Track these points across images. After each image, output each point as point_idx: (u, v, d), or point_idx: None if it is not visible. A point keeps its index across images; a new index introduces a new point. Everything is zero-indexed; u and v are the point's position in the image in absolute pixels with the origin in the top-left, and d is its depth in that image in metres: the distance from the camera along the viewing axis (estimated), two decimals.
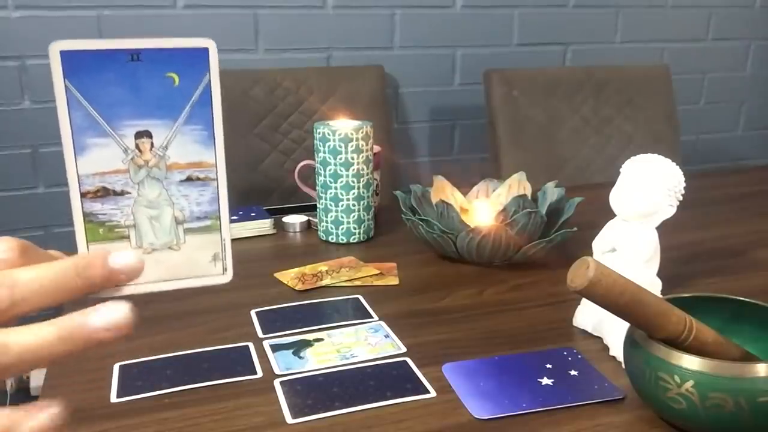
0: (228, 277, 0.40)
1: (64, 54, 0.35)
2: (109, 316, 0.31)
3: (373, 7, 1.74)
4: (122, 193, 0.37)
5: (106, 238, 0.37)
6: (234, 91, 1.54)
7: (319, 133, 0.99)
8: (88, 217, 0.37)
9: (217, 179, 0.39)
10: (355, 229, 1.02)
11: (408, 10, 1.77)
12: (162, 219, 0.38)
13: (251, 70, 1.59)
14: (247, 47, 1.66)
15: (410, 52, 1.80)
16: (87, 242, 0.37)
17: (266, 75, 1.58)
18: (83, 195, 0.37)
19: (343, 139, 0.98)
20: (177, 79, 0.37)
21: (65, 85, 0.35)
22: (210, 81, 0.37)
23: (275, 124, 1.59)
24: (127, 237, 0.38)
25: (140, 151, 0.37)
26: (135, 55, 0.36)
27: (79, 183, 0.36)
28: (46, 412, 0.30)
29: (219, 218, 0.39)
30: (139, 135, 0.37)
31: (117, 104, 0.36)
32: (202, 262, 0.40)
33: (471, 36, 1.84)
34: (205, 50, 0.37)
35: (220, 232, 0.40)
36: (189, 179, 0.38)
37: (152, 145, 0.37)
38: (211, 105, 0.38)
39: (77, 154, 0.36)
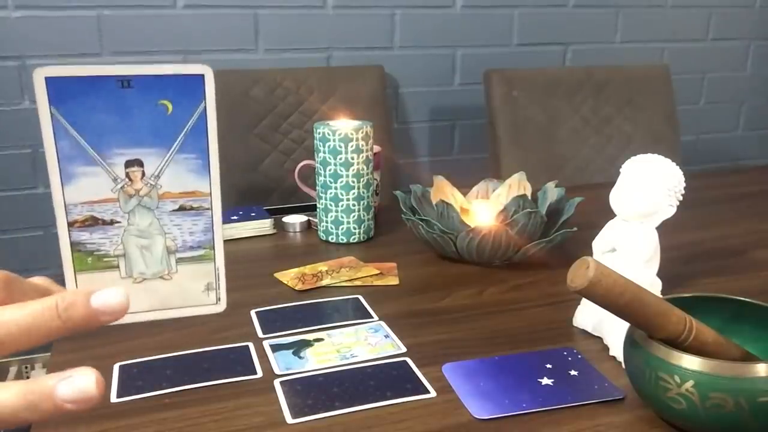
0: (221, 306, 0.40)
1: (49, 80, 0.34)
2: (76, 387, 0.30)
3: (373, 7, 1.74)
4: (111, 223, 0.37)
5: (94, 268, 0.37)
6: (234, 91, 1.54)
7: (319, 133, 0.99)
8: (75, 246, 0.36)
9: (211, 208, 0.38)
10: (355, 229, 1.02)
11: (408, 10, 1.77)
12: (153, 248, 0.38)
13: (251, 70, 1.59)
14: (247, 47, 1.66)
15: (410, 52, 1.80)
16: (75, 272, 0.36)
17: (266, 75, 1.58)
18: (71, 224, 0.36)
19: (343, 139, 0.98)
20: (170, 107, 0.36)
21: (51, 113, 0.34)
22: (206, 109, 0.36)
23: (275, 124, 1.59)
24: (117, 266, 0.37)
25: (131, 180, 0.36)
26: (125, 81, 0.35)
27: (66, 212, 0.36)
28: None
29: (213, 248, 0.39)
30: (129, 164, 0.36)
31: (106, 132, 0.35)
32: (194, 292, 0.39)
33: (471, 36, 1.84)
34: (201, 77, 0.36)
35: (214, 261, 0.39)
36: (182, 208, 0.38)
37: (143, 173, 0.36)
38: (206, 133, 0.37)
39: (64, 183, 0.35)
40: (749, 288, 0.87)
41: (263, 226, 1.06)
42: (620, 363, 0.66)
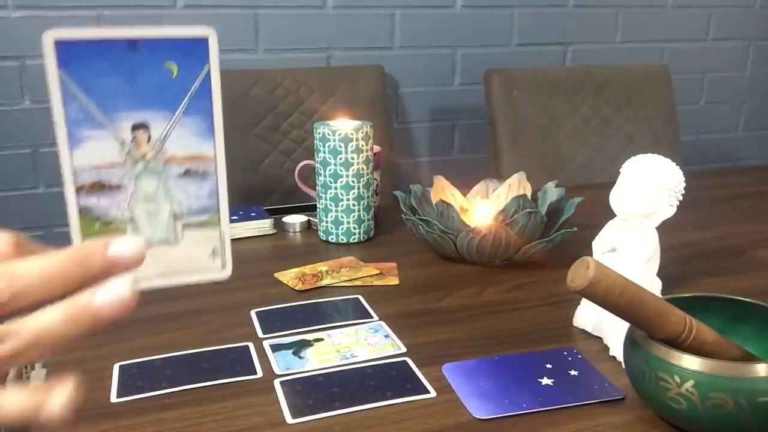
0: (227, 272, 0.39)
1: (58, 43, 0.33)
2: (112, 294, 0.31)
3: (373, 7, 1.74)
4: (118, 187, 0.36)
5: (101, 233, 0.36)
6: (234, 91, 1.54)
7: (319, 133, 0.99)
8: (83, 211, 0.36)
9: (216, 173, 0.38)
10: (355, 229, 1.02)
11: (408, 10, 1.77)
12: (159, 214, 0.37)
13: (251, 70, 1.59)
14: (247, 47, 1.66)
15: (410, 52, 1.80)
16: (82, 238, 0.36)
17: (266, 75, 1.58)
18: (78, 189, 0.35)
19: (343, 139, 0.98)
20: (175, 70, 0.35)
21: (59, 76, 0.34)
22: (210, 71, 0.36)
23: (275, 124, 1.59)
24: (124, 232, 0.37)
25: (137, 143, 0.36)
26: (132, 44, 0.34)
27: (74, 177, 0.35)
28: (63, 391, 0.30)
29: (218, 213, 0.38)
30: (135, 127, 0.35)
31: (113, 95, 0.35)
32: (200, 258, 0.38)
33: (471, 36, 1.84)
34: (205, 40, 0.35)
35: (220, 227, 0.38)
36: (187, 173, 0.37)
37: (149, 137, 0.36)
38: (211, 96, 0.36)
39: (72, 147, 0.35)
40: (749, 288, 0.87)
41: (263, 226, 1.06)
42: (620, 363, 0.66)
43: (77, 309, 0.31)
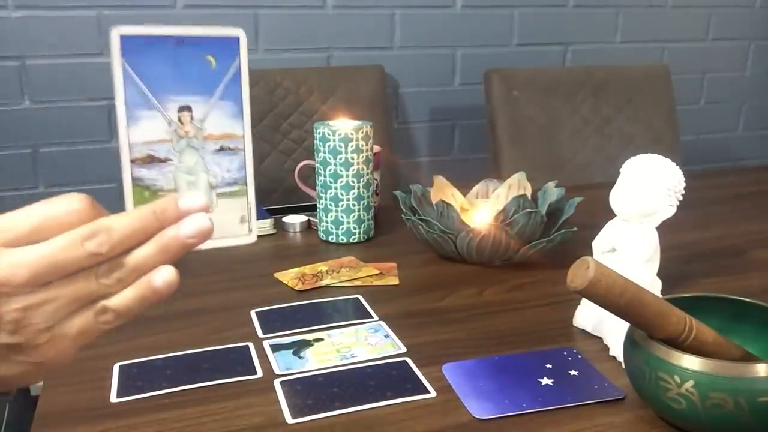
0: (253, 237, 0.45)
1: (123, 38, 0.40)
2: (195, 225, 0.37)
3: (373, 7, 1.74)
4: (165, 161, 0.42)
5: (151, 200, 0.41)
6: None
7: (319, 133, 0.99)
8: (135, 181, 0.42)
9: (245, 149, 0.44)
10: (355, 229, 1.02)
11: (408, 10, 1.77)
12: (198, 184, 0.43)
13: (251, 70, 1.57)
14: (247, 47, 1.65)
15: (410, 52, 1.80)
16: (134, 204, 0.41)
17: (266, 75, 1.58)
18: (132, 161, 0.41)
19: (343, 139, 0.98)
20: (214, 62, 0.43)
21: (122, 64, 0.40)
22: (240, 64, 0.44)
23: (275, 124, 1.59)
24: None
25: (182, 123, 0.42)
26: (180, 40, 0.41)
27: (129, 150, 0.41)
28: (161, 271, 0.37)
29: (246, 184, 0.44)
30: (181, 109, 0.42)
31: (164, 82, 0.41)
32: (231, 224, 0.44)
33: (471, 36, 1.84)
34: (237, 38, 0.44)
35: (247, 196, 0.45)
36: (222, 149, 0.44)
37: (192, 118, 0.42)
38: (241, 85, 0.44)
39: (129, 125, 0.41)
40: (749, 288, 0.87)
41: (263, 226, 1.06)
42: (620, 363, 0.66)
43: (167, 240, 0.37)
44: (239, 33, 0.43)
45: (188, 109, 0.42)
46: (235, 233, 0.45)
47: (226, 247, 0.44)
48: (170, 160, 0.42)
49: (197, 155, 0.43)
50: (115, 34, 0.40)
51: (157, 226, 0.37)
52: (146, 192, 0.42)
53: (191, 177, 0.43)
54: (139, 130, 0.41)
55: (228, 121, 0.44)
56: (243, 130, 0.44)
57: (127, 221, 0.36)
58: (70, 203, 0.36)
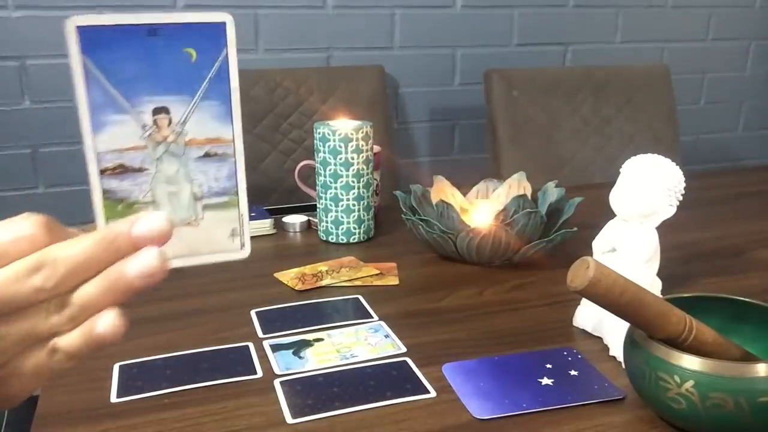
0: (246, 252, 0.41)
1: (81, 30, 0.34)
2: (141, 263, 0.33)
3: (373, 7, 1.74)
4: (140, 170, 0.37)
5: (124, 215, 0.37)
6: None
7: (319, 133, 0.99)
8: (106, 194, 0.37)
9: (234, 155, 0.39)
10: (355, 229, 1.02)
11: (408, 10, 1.77)
12: (181, 195, 0.38)
13: (251, 70, 1.59)
14: (247, 47, 1.66)
15: (410, 52, 1.80)
16: (105, 219, 0.37)
17: (266, 75, 1.58)
18: (102, 172, 0.36)
19: (343, 139, 0.98)
20: (194, 55, 0.36)
21: (83, 62, 0.34)
22: (227, 56, 0.37)
23: (275, 124, 1.59)
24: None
25: (158, 127, 0.37)
26: (152, 30, 0.35)
27: (97, 160, 0.36)
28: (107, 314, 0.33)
29: (237, 194, 0.40)
30: (157, 111, 0.36)
31: (135, 80, 0.36)
32: (220, 238, 0.40)
33: (471, 36, 1.84)
34: (223, 24, 0.36)
35: (238, 208, 0.40)
36: (207, 155, 0.38)
37: (170, 121, 0.37)
38: (229, 80, 0.37)
39: (95, 131, 0.36)
40: (749, 288, 0.87)
41: (263, 226, 1.06)
42: (620, 363, 0.66)
43: (113, 279, 0.33)
44: (226, 18, 0.36)
45: (165, 110, 0.36)
46: (225, 248, 0.40)
47: (215, 263, 0.39)
48: (146, 169, 0.37)
49: (178, 163, 0.37)
50: (71, 25, 0.34)
51: (109, 256, 0.33)
52: (119, 206, 0.37)
53: (172, 187, 0.38)
54: (108, 137, 0.36)
55: (214, 123, 0.38)
56: (232, 133, 0.38)
57: (75, 251, 0.33)
58: (22, 228, 0.33)
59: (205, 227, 0.39)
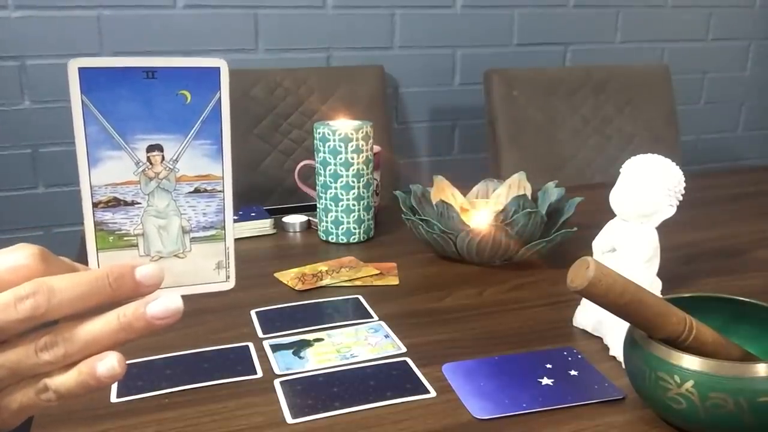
0: (231, 284, 0.42)
1: (82, 71, 0.36)
2: (165, 305, 0.35)
3: (373, 7, 1.74)
4: (132, 204, 0.39)
5: (115, 246, 0.39)
6: (234, 91, 1.53)
7: (319, 133, 0.99)
8: (99, 225, 0.38)
9: (223, 191, 0.40)
10: (355, 229, 1.02)
11: (408, 10, 1.77)
12: (170, 228, 0.40)
13: (251, 70, 1.59)
14: (247, 47, 1.66)
15: (410, 52, 1.80)
16: (97, 250, 0.38)
17: (266, 75, 1.58)
18: (95, 205, 0.38)
19: (343, 139, 0.98)
20: (189, 97, 0.38)
21: (82, 101, 0.36)
22: (220, 98, 0.39)
23: (275, 124, 1.59)
24: (136, 245, 0.39)
25: (151, 163, 0.39)
26: (150, 72, 0.37)
27: (91, 193, 0.38)
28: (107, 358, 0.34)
29: (224, 228, 0.41)
30: (150, 148, 0.38)
31: (131, 119, 0.37)
32: (206, 270, 0.41)
33: (471, 36, 1.84)
34: (217, 69, 0.38)
35: (225, 241, 0.41)
36: (197, 191, 0.40)
37: (163, 158, 0.39)
38: (221, 121, 0.39)
39: (91, 166, 0.37)
40: (749, 288, 0.87)
41: (263, 226, 1.06)
42: (620, 363, 0.66)
43: (132, 318, 0.34)
44: (220, 63, 0.38)
45: (159, 148, 0.38)
46: (210, 280, 0.41)
47: (198, 294, 0.41)
48: (138, 203, 0.39)
49: (169, 197, 0.39)
50: (73, 66, 0.36)
51: (108, 294, 0.34)
52: (111, 237, 0.39)
53: (162, 221, 0.40)
54: (103, 172, 0.38)
55: (204, 161, 0.39)
56: (222, 170, 0.40)
57: (74, 282, 0.33)
58: (17, 259, 0.33)
59: (192, 259, 0.41)
